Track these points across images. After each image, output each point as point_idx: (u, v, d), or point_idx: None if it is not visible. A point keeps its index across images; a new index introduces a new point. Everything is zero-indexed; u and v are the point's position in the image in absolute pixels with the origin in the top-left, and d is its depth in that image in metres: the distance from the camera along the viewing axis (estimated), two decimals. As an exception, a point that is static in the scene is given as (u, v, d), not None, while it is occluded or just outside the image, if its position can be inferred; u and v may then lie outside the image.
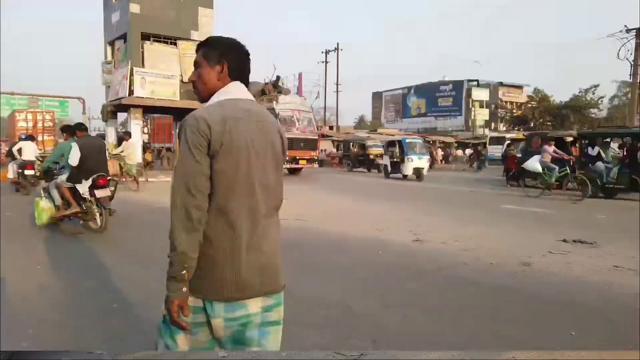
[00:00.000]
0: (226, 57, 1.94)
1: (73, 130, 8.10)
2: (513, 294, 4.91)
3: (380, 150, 29.08)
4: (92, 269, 5.79)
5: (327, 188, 17.95)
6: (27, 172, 13.27)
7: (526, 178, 16.26)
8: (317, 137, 25.49)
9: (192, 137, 1.74)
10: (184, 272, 1.74)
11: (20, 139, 14.57)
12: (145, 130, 45.30)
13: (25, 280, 5.28)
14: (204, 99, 1.98)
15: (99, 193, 7.76)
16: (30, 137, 14.95)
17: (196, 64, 2.00)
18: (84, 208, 7.81)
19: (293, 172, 25.10)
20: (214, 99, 1.92)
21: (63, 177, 7.79)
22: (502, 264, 6.13)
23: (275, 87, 25.72)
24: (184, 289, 1.76)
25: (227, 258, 1.79)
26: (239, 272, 1.79)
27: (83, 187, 7.70)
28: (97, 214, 7.90)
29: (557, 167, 14.67)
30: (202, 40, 2.09)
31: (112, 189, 8.22)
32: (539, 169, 14.92)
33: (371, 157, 30.94)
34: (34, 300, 4.61)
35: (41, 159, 13.30)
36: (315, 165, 25.88)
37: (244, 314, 1.82)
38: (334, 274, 5.68)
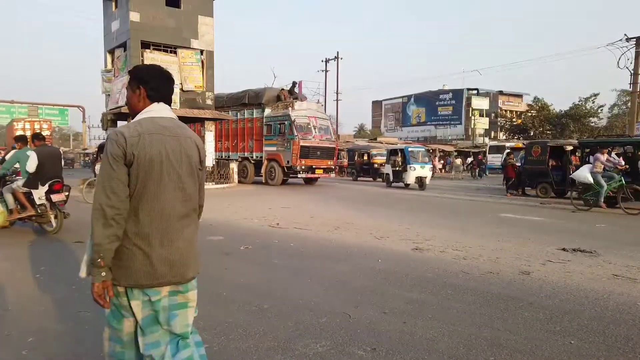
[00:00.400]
0: (144, 83, 2.30)
1: (26, 140, 9.00)
2: (512, 302, 4.91)
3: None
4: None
5: (328, 197, 17.94)
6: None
7: (575, 191, 14.74)
8: (334, 146, 24.29)
9: (111, 148, 2.10)
10: (99, 260, 2.07)
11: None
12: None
13: (24, 288, 5.27)
14: (132, 116, 2.34)
15: (55, 197, 8.46)
16: None
17: (127, 89, 2.40)
18: (39, 211, 8.41)
19: (309, 181, 24.32)
20: (137, 117, 2.28)
21: (19, 183, 8.40)
22: (501, 273, 6.13)
23: (291, 93, 24.85)
24: (103, 274, 2.09)
25: (141, 252, 2.14)
26: (152, 264, 2.15)
27: (40, 192, 8.32)
28: (53, 217, 8.56)
29: (615, 177, 13.65)
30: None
31: (67, 193, 8.83)
32: (590, 179, 13.75)
33: (376, 166, 30.72)
34: (34, 309, 4.60)
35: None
36: (332, 175, 24.87)
37: (157, 298, 2.19)
38: (333, 282, 5.67)
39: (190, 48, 22.15)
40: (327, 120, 24.75)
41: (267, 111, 23.68)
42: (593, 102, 48.72)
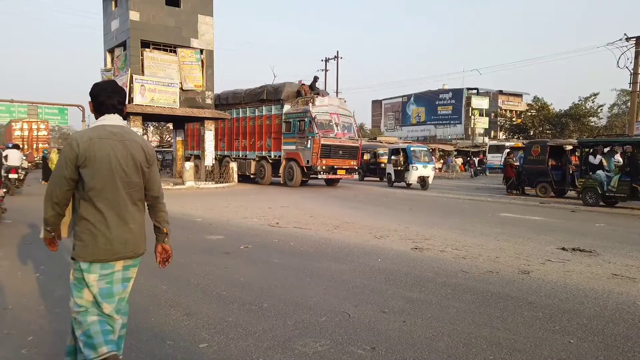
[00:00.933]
0: (92, 98, 2.83)
1: None
2: (511, 301, 4.91)
3: None
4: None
5: (328, 196, 17.93)
6: (11, 175, 15.73)
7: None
8: (357, 145, 22.47)
9: (66, 152, 2.63)
10: (48, 228, 2.77)
11: (8, 147, 17.16)
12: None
13: (24, 287, 5.27)
14: None
15: None
16: (16, 146, 17.44)
17: None
18: None
19: (330, 183, 22.98)
20: (92, 125, 2.82)
21: None
22: (501, 272, 6.13)
23: (312, 89, 23.27)
24: (52, 233, 2.80)
25: (101, 233, 2.65)
26: (111, 243, 2.67)
27: None
28: None
29: None
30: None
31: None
32: None
33: (383, 165, 30.10)
34: (34, 308, 4.59)
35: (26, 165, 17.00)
36: (355, 175, 23.09)
37: (111, 271, 2.73)
38: (333, 281, 5.67)
39: (190, 47, 22.15)
40: (351, 117, 23.04)
41: (286, 107, 22.33)
42: (593, 102, 48.55)
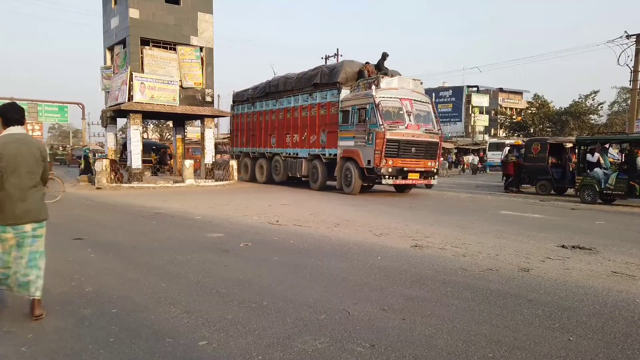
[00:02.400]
0: (1, 115, 4.17)
1: None
2: (511, 299, 4.91)
3: None
4: (90, 273, 5.78)
5: (327, 195, 17.89)
6: None
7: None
8: (437, 140, 17.12)
9: None
10: None
11: None
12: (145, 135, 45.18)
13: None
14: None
15: None
16: None
17: None
18: None
19: (401, 189, 18.31)
20: (2, 134, 4.13)
21: None
22: (501, 270, 6.13)
23: (379, 69, 18.14)
24: None
25: (8, 204, 4.01)
26: (15, 212, 4.04)
27: None
28: None
29: None
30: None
31: None
32: None
33: None
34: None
35: None
36: (434, 181, 17.59)
37: (22, 231, 4.12)
38: (332, 278, 5.67)
39: (189, 45, 22.10)
40: (428, 104, 17.62)
41: (344, 93, 17.55)
42: (593, 100, 48.63)
